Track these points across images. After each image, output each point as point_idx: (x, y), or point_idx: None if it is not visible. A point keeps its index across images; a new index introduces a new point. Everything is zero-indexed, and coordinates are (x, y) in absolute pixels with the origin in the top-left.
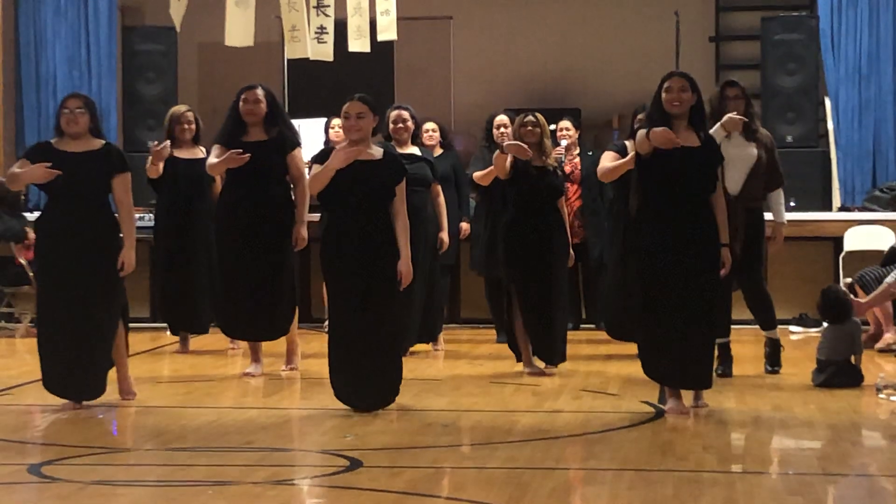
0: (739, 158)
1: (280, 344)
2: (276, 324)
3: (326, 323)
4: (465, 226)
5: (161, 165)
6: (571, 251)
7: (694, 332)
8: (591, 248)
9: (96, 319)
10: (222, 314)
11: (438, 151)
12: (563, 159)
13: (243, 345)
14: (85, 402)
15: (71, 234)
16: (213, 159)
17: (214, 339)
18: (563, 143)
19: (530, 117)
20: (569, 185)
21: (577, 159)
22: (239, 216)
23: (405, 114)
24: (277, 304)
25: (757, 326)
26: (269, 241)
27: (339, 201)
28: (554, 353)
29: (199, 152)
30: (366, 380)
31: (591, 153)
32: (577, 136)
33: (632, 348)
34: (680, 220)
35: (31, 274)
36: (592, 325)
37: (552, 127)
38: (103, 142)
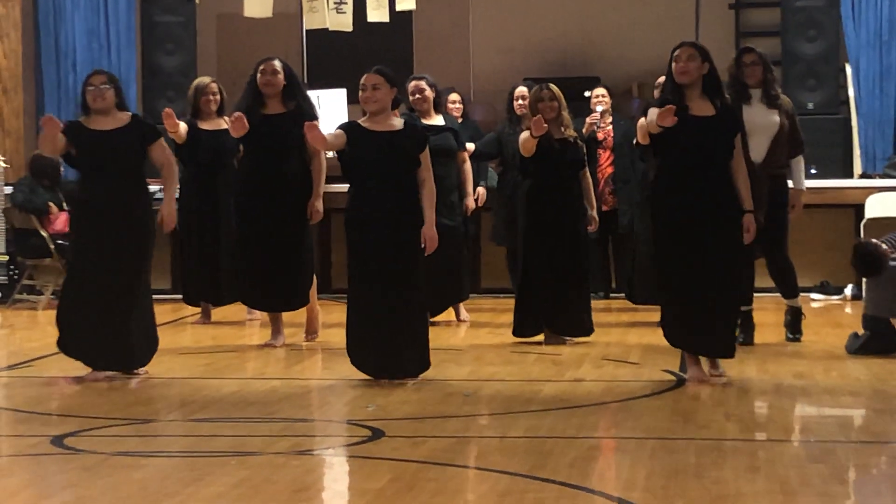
0: (762, 126)
1: (300, 314)
2: (295, 295)
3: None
4: (481, 190)
5: (183, 130)
6: (595, 216)
7: (715, 300)
8: (621, 217)
9: (132, 292)
10: (242, 285)
11: (460, 122)
12: (598, 125)
13: (261, 314)
14: (108, 373)
15: (109, 211)
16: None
17: (235, 309)
18: (599, 108)
19: (546, 91)
20: (601, 151)
21: (611, 126)
22: (257, 188)
23: (422, 83)
24: (296, 275)
25: (777, 294)
26: (286, 212)
27: (363, 173)
28: (573, 326)
29: (223, 123)
30: (391, 349)
31: (622, 122)
32: (611, 103)
33: (653, 316)
34: (698, 189)
35: (52, 246)
36: (623, 294)
37: (587, 94)
38: (129, 114)
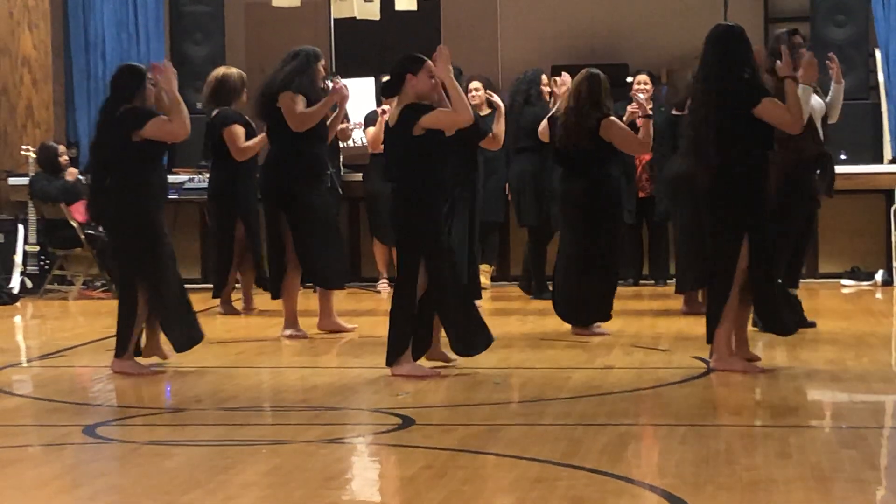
0: (814, 111)
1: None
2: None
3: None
4: None
5: None
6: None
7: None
8: (658, 204)
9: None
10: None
11: (486, 111)
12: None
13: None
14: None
15: (163, 199)
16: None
17: (264, 299)
18: (641, 97)
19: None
20: None
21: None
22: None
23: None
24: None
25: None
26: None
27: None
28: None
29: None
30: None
31: (662, 108)
32: (653, 90)
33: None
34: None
35: (82, 236)
36: (653, 282)
37: (629, 79)
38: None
